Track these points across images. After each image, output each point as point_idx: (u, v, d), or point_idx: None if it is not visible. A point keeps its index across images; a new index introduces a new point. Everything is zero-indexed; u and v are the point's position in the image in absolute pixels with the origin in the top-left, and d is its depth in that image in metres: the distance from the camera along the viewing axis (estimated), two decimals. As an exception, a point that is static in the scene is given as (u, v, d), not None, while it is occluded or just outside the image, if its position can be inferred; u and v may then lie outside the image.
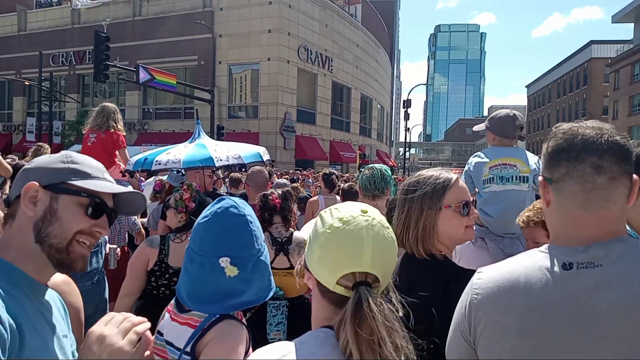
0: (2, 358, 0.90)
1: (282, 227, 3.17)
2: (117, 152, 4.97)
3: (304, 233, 3.28)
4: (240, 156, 4.50)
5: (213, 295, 1.31)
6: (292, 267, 3.02)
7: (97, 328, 1.01)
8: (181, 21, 28.95)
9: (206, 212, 1.40)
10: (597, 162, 1.04)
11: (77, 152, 5.52)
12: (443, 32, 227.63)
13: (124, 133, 5.07)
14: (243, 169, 5.81)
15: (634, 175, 1.06)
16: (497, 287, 1.11)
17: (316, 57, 31.03)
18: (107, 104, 5.03)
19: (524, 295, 1.06)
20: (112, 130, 4.87)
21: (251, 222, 1.36)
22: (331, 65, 32.74)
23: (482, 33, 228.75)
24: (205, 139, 5.02)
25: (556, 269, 1.04)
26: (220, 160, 4.31)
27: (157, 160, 4.42)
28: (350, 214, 1.05)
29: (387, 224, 1.09)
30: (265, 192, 3.25)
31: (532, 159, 3.08)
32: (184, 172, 4.65)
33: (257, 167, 4.55)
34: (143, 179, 6.52)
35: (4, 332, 0.92)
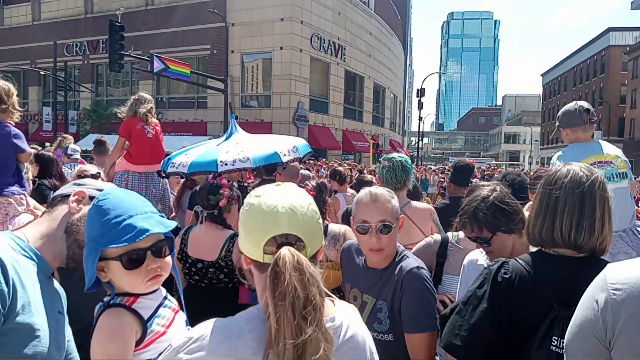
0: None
1: None
2: None
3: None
4: (248, 159, 3.97)
5: None
6: (327, 260, 2.98)
7: None
8: (194, 10, 28.83)
9: None
10: None
11: (102, 142, 5.46)
12: (456, 19, 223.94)
13: None
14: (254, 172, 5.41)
15: None
16: None
17: (329, 46, 30.76)
18: (143, 93, 4.98)
19: None
20: (157, 121, 4.89)
21: (100, 212, 1.24)
22: (344, 54, 32.44)
23: (496, 20, 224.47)
24: (235, 136, 4.60)
25: None
26: (226, 164, 3.90)
27: (172, 163, 4.17)
28: (264, 189, 1.13)
29: (301, 190, 1.14)
30: (300, 184, 3.19)
31: (617, 151, 2.96)
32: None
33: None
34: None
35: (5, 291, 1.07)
